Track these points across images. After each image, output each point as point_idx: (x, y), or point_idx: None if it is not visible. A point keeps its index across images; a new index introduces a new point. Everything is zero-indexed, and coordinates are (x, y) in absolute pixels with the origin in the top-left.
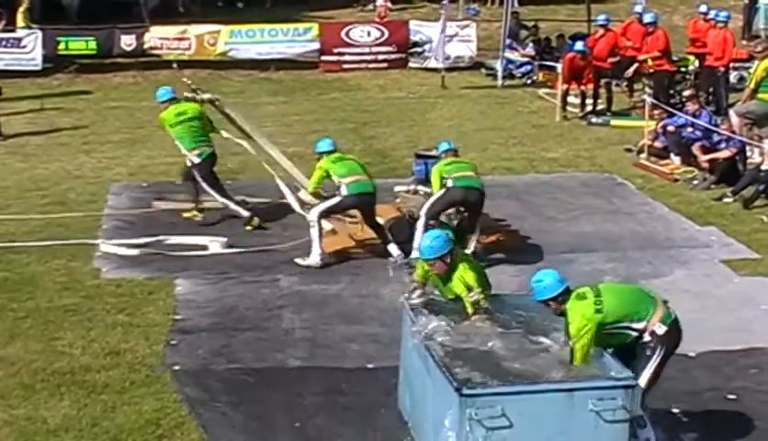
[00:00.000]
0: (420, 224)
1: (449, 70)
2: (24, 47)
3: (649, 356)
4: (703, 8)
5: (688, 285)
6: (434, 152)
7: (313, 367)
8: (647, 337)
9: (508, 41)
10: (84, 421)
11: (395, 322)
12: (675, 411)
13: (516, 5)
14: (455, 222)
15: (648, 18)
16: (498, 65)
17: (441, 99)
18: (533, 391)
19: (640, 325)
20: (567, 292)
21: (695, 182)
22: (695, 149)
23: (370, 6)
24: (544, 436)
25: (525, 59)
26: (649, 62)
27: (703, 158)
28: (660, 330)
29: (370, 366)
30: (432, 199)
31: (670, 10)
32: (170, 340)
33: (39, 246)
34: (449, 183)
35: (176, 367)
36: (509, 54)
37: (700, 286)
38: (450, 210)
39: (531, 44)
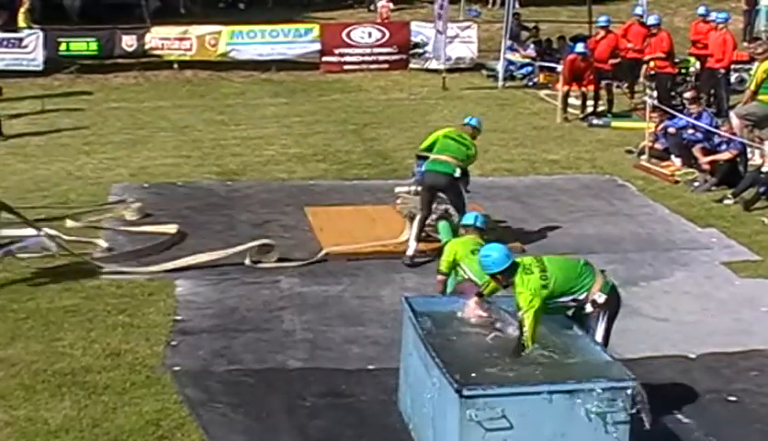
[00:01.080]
0: (416, 220)
1: (450, 71)
2: (25, 47)
3: (596, 323)
4: (701, 10)
5: (688, 287)
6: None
7: (314, 368)
8: (589, 308)
9: (509, 43)
10: (85, 422)
11: (395, 323)
12: (675, 412)
13: (517, 6)
14: (442, 212)
15: (651, 20)
16: (499, 67)
17: (442, 100)
18: (533, 393)
19: (581, 297)
20: (513, 266)
21: (696, 184)
22: (696, 151)
23: (372, 7)
24: (544, 438)
25: (526, 60)
26: (651, 64)
27: (704, 160)
28: (601, 299)
29: (371, 367)
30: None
31: (671, 12)
32: (170, 341)
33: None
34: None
35: (177, 368)
36: (510, 56)
37: (700, 288)
38: (439, 204)
39: (532, 45)
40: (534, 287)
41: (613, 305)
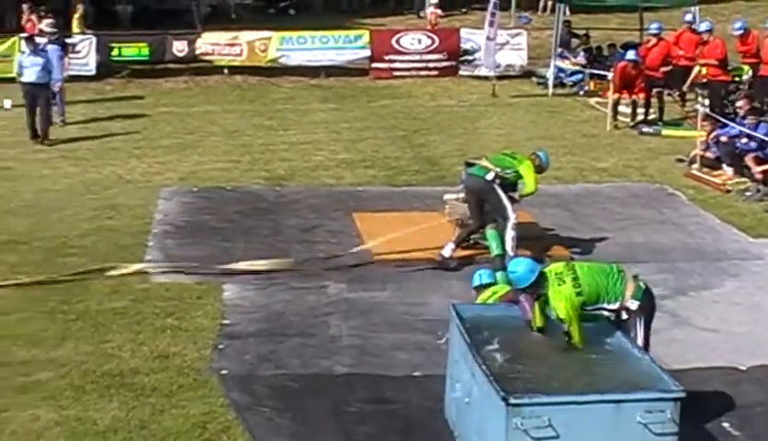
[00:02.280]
0: (465, 227)
1: (500, 78)
2: (78, 52)
3: (634, 328)
4: (738, 25)
5: (739, 298)
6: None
7: (360, 374)
8: (624, 315)
9: (559, 50)
10: (133, 423)
11: (442, 330)
12: (725, 424)
13: (568, 13)
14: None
15: (703, 27)
16: (549, 74)
17: (491, 107)
18: (580, 402)
19: (614, 306)
20: (541, 278)
21: (748, 193)
22: (749, 160)
23: (421, 14)
24: None
25: (576, 68)
26: (703, 72)
27: (756, 169)
28: (634, 305)
29: (417, 374)
30: None
31: (723, 19)
32: (218, 344)
33: (91, 250)
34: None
35: (224, 372)
36: (560, 63)
37: (751, 299)
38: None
39: (582, 53)
40: (568, 295)
41: (647, 309)
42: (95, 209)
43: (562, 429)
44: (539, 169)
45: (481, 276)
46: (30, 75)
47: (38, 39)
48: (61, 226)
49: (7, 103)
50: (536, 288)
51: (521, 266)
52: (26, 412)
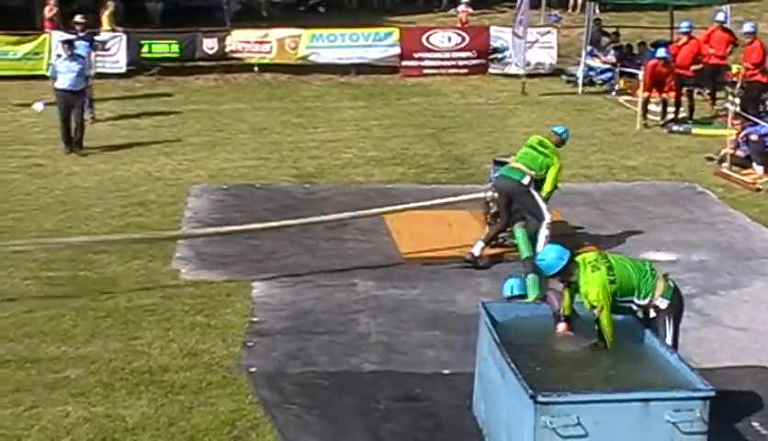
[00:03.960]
0: (494, 226)
1: (529, 76)
2: (108, 50)
3: (663, 327)
4: (747, 27)
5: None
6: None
7: (388, 371)
8: (653, 313)
9: (589, 48)
10: (162, 420)
11: (471, 328)
12: (754, 424)
13: (598, 11)
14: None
15: (747, 28)
16: (579, 72)
17: (521, 106)
18: (609, 400)
19: (644, 302)
20: (571, 265)
21: None
22: None
23: (452, 12)
24: None
25: (606, 66)
26: (734, 70)
27: None
28: (663, 304)
29: (445, 371)
30: None
31: (755, 17)
32: (247, 342)
33: (120, 247)
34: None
35: (252, 370)
36: (590, 61)
37: None
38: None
39: (612, 51)
40: (601, 282)
41: (676, 308)
42: (124, 207)
43: (591, 428)
44: (561, 143)
45: (513, 287)
46: (65, 81)
47: (69, 35)
48: (90, 223)
49: (39, 105)
50: (566, 276)
51: (550, 253)
52: (55, 409)
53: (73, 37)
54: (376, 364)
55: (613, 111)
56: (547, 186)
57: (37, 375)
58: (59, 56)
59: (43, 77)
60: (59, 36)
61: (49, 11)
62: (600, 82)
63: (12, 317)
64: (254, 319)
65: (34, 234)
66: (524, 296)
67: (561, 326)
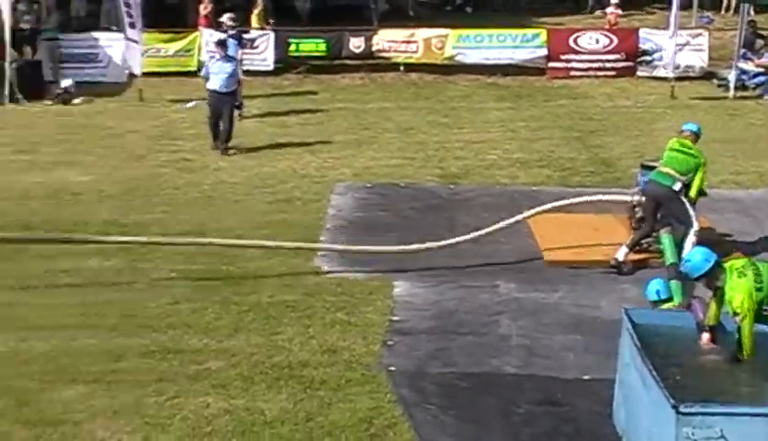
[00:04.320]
0: (639, 231)
1: (679, 79)
2: (256, 48)
3: None
4: None
5: None
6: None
7: (529, 375)
8: None
9: (742, 51)
10: (300, 415)
11: (613, 334)
12: None
13: (752, 13)
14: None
15: None
16: (730, 76)
17: (669, 110)
18: (755, 414)
19: None
20: (716, 269)
21: None
22: None
23: (597, 12)
24: None
25: (760, 69)
26: None
27: None
28: None
29: (586, 377)
30: None
31: None
32: (387, 340)
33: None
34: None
35: (392, 368)
36: (743, 64)
37: None
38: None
39: (767, 54)
40: (747, 288)
41: None
42: (269, 203)
43: None
44: (697, 139)
45: (659, 292)
46: (217, 82)
47: (220, 34)
48: (235, 218)
49: (191, 104)
50: (711, 280)
51: (696, 255)
52: (197, 400)
53: (224, 36)
54: (516, 367)
55: (766, 116)
56: (694, 189)
57: (179, 366)
58: (212, 57)
59: (193, 74)
60: (209, 34)
61: (204, 8)
62: (753, 86)
63: (157, 308)
64: (395, 318)
65: (181, 228)
66: (668, 300)
67: (705, 337)
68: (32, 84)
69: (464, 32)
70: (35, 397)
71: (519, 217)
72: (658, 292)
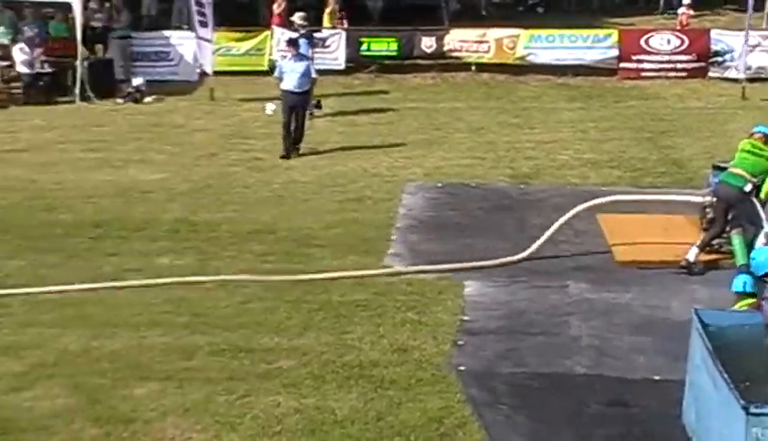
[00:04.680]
0: (709, 231)
1: (750, 81)
2: (328, 47)
3: None
4: None
5: None
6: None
7: (599, 375)
8: None
9: None
10: (370, 414)
11: (684, 334)
12: None
13: None
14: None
15: None
16: None
17: (741, 111)
18: None
19: None
20: None
21: None
22: None
23: (667, 13)
24: None
25: None
26: None
27: None
28: None
29: (656, 378)
30: None
31: None
32: (457, 340)
33: (335, 241)
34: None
35: (462, 368)
36: None
37: None
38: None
39: None
40: None
41: None
42: (340, 202)
43: None
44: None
45: (746, 284)
46: (290, 82)
47: (291, 33)
48: (306, 217)
49: (270, 107)
50: None
51: (763, 254)
52: (267, 398)
53: (295, 35)
54: (587, 367)
55: None
56: (765, 190)
57: (250, 364)
58: (284, 57)
59: (264, 73)
60: (281, 33)
61: (277, 6)
62: None
63: (228, 307)
64: (466, 317)
65: (252, 226)
66: (752, 295)
67: None
68: (103, 83)
69: (536, 32)
70: (106, 394)
71: (590, 203)
72: (744, 284)
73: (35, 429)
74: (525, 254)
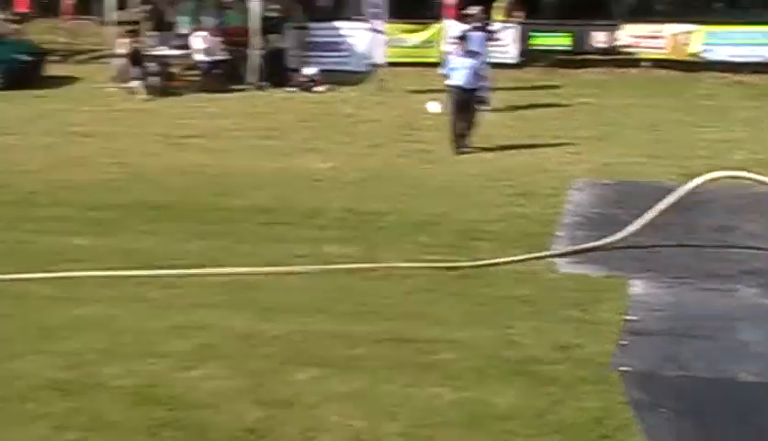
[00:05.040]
0: None
1: None
2: (499, 40)
3: None
4: None
5: None
6: None
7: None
8: None
9: None
10: (530, 411)
11: None
12: None
13: None
14: None
15: None
16: None
17: None
18: None
19: None
20: None
21: None
22: None
23: None
24: None
25: None
26: None
27: None
28: None
29: None
30: None
31: None
32: (620, 340)
33: (500, 235)
34: None
35: (624, 369)
36: None
37: None
38: None
39: None
40: None
41: None
42: (507, 196)
43: None
44: None
45: None
46: (459, 78)
47: (463, 26)
48: (472, 210)
49: (434, 106)
50: None
51: None
52: (428, 390)
53: (467, 27)
54: (755, 375)
55: None
56: None
57: (412, 355)
58: (452, 52)
59: (434, 65)
60: (453, 25)
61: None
62: None
63: (390, 298)
64: (630, 317)
65: (418, 218)
66: None
67: None
68: (276, 72)
69: (713, 28)
70: (269, 378)
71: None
72: None
73: (201, 407)
74: (619, 236)
